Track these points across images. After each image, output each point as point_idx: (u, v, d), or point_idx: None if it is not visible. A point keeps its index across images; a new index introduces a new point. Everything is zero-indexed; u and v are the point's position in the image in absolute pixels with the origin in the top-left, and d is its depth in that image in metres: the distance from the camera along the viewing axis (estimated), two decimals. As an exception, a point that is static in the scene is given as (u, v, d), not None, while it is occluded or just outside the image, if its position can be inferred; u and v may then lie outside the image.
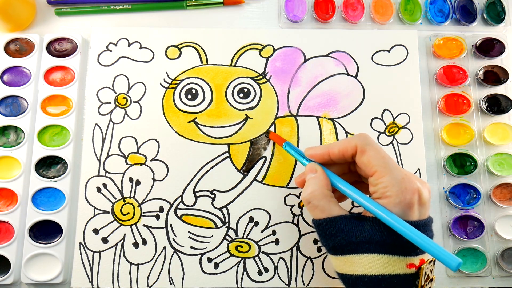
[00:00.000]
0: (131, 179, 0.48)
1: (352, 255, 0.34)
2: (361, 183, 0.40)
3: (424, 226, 0.34)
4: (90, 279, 0.46)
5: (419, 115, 0.51)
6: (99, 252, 0.46)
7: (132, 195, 0.48)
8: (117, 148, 0.49)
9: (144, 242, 0.47)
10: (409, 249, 0.33)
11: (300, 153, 0.42)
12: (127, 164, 0.48)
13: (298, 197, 0.48)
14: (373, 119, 0.50)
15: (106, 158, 0.48)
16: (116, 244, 0.47)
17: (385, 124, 0.50)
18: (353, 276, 0.34)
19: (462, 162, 0.49)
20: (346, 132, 0.50)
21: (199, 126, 0.49)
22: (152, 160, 0.49)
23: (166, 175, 0.48)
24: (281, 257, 0.47)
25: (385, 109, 0.51)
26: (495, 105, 0.51)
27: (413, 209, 0.33)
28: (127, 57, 0.51)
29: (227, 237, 0.47)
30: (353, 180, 0.40)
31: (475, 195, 0.49)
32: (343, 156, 0.37)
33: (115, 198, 0.48)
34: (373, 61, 0.52)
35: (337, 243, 0.35)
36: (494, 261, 0.48)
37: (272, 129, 0.49)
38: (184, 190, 0.48)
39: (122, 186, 0.48)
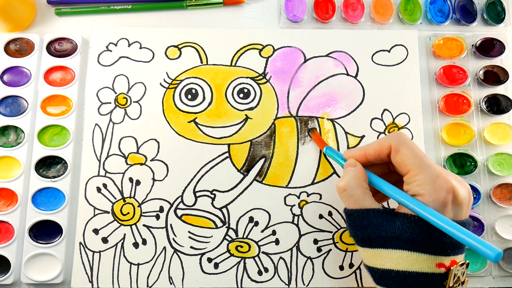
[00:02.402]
0: (131, 179, 0.48)
1: (381, 249, 0.34)
2: (402, 182, 0.40)
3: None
4: (90, 279, 0.46)
5: (419, 115, 0.51)
6: (99, 252, 0.46)
7: (132, 195, 0.48)
8: (117, 148, 0.49)
9: (144, 242, 0.47)
10: (440, 249, 0.33)
11: (340, 156, 0.42)
12: (127, 164, 0.48)
13: (298, 197, 0.48)
14: (373, 119, 0.50)
15: (106, 158, 0.48)
16: (116, 244, 0.47)
17: (385, 124, 0.50)
18: (380, 270, 0.34)
19: (462, 162, 0.49)
20: (346, 133, 0.50)
21: (199, 126, 0.49)
22: (152, 160, 0.49)
23: (166, 175, 0.48)
24: (281, 257, 0.47)
25: (385, 109, 0.51)
26: (495, 105, 0.51)
27: (447, 209, 0.33)
28: (127, 57, 0.51)
29: (227, 237, 0.47)
30: (395, 179, 0.40)
31: (475, 195, 0.49)
32: (379, 156, 0.37)
33: (115, 198, 0.48)
34: (373, 61, 0.52)
35: (367, 236, 0.35)
36: (494, 261, 0.48)
37: (310, 126, 0.49)
38: (184, 190, 0.48)
39: (122, 186, 0.48)
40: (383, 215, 0.35)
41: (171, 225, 0.47)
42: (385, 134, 0.50)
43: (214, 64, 0.51)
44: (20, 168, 0.47)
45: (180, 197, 0.48)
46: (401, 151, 0.35)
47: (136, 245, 0.47)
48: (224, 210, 0.48)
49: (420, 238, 0.33)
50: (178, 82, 0.51)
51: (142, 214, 0.47)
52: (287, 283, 0.46)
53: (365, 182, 0.37)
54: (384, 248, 0.34)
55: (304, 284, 0.46)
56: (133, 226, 0.47)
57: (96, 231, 0.47)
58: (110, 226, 0.47)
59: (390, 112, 0.51)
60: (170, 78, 0.51)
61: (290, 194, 0.48)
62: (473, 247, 0.30)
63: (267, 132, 0.49)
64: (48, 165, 0.48)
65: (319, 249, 0.47)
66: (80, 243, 0.46)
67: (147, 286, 0.46)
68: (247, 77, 0.51)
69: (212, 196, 0.48)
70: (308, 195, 0.48)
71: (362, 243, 0.36)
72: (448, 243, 0.33)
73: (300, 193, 0.48)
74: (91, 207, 0.47)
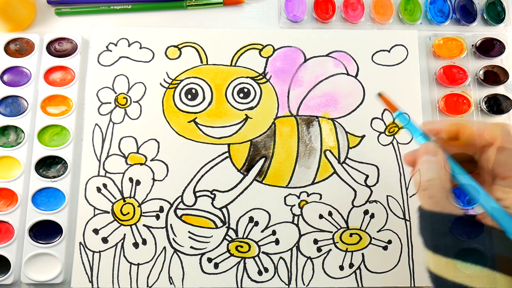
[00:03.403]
0: (131, 179, 0.48)
1: (457, 260, 0.30)
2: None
3: None
4: (90, 279, 0.46)
5: (419, 115, 0.51)
6: (99, 252, 0.46)
7: (132, 195, 0.48)
8: (117, 148, 0.49)
9: (144, 242, 0.47)
10: None
11: (418, 131, 0.35)
12: (127, 164, 0.48)
13: (298, 197, 0.48)
14: (373, 119, 0.50)
15: (106, 158, 0.48)
16: (116, 244, 0.47)
17: (385, 124, 0.50)
18: (451, 282, 0.30)
19: (462, 162, 0.49)
20: (346, 132, 0.50)
21: (199, 126, 0.49)
22: (152, 160, 0.48)
23: (166, 175, 0.48)
24: (281, 257, 0.47)
25: (385, 109, 0.51)
26: (495, 105, 0.51)
27: None
28: (127, 57, 0.51)
29: (227, 237, 0.47)
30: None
31: (475, 195, 0.48)
32: (473, 141, 0.32)
33: (115, 198, 0.48)
34: (373, 61, 0.52)
35: (443, 244, 0.31)
36: (494, 261, 0.47)
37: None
38: (184, 190, 0.48)
39: (122, 186, 0.48)
40: (469, 224, 0.31)
41: (171, 225, 0.47)
42: (386, 134, 0.50)
43: (214, 64, 0.51)
44: (20, 168, 0.47)
45: (180, 197, 0.48)
46: (507, 152, 0.30)
47: (136, 245, 0.47)
48: (224, 210, 0.48)
49: (506, 258, 0.29)
50: (178, 82, 0.51)
51: (142, 214, 0.47)
52: (287, 283, 0.46)
53: (449, 182, 0.32)
54: (462, 260, 0.30)
55: (304, 284, 0.46)
56: (133, 226, 0.47)
57: (96, 231, 0.47)
58: (110, 226, 0.47)
59: (390, 112, 0.51)
60: (170, 78, 0.51)
61: (290, 194, 0.48)
62: None
63: (267, 132, 0.49)
64: (48, 165, 0.48)
65: (319, 249, 0.47)
66: (80, 243, 0.46)
67: (147, 286, 0.46)
68: (247, 77, 0.51)
69: (212, 196, 0.48)
70: (308, 195, 0.48)
71: (434, 249, 0.31)
72: None
73: (300, 193, 0.48)
74: (91, 207, 0.47)
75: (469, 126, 0.32)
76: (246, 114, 0.50)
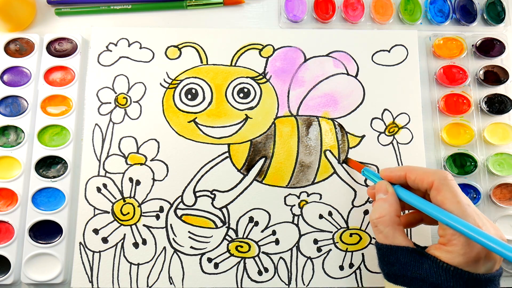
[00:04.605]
0: (131, 179, 0.48)
1: (405, 287, 0.34)
2: None
3: (488, 281, 0.32)
4: (90, 279, 0.46)
5: (419, 115, 0.51)
6: (99, 252, 0.46)
7: (132, 195, 0.48)
8: (117, 148, 0.49)
9: (144, 242, 0.47)
10: None
11: (377, 176, 0.41)
12: (127, 164, 0.48)
13: (298, 197, 0.48)
14: (373, 119, 0.50)
15: (106, 158, 0.48)
16: (116, 244, 0.47)
17: (385, 124, 0.50)
18: None
19: (462, 162, 0.49)
20: (346, 132, 0.50)
21: (199, 126, 0.49)
22: (152, 160, 0.48)
23: (166, 175, 0.48)
24: (281, 257, 0.47)
25: (385, 109, 0.51)
26: (495, 105, 0.51)
27: (479, 264, 0.32)
28: (127, 57, 0.51)
29: (227, 237, 0.47)
30: None
31: (475, 195, 0.49)
32: (417, 186, 0.37)
33: (115, 198, 0.48)
34: (373, 61, 0.52)
35: (392, 272, 0.35)
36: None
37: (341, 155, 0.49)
38: (184, 190, 0.48)
39: (122, 186, 0.48)
40: (412, 255, 0.34)
41: (171, 225, 0.47)
42: (386, 134, 0.50)
43: (214, 64, 0.51)
44: (20, 168, 0.47)
45: (180, 197, 0.48)
46: (442, 192, 0.34)
47: (136, 245, 0.47)
48: (224, 210, 0.48)
49: (445, 285, 0.32)
50: (178, 82, 0.51)
51: (142, 214, 0.47)
52: (287, 283, 0.46)
53: (397, 217, 0.36)
54: (408, 287, 0.34)
55: (304, 284, 0.46)
56: (133, 226, 0.47)
57: (96, 231, 0.47)
58: (110, 226, 0.47)
59: (390, 112, 0.51)
60: (170, 78, 0.51)
61: (290, 194, 0.48)
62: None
63: (267, 132, 0.49)
64: (48, 165, 0.48)
65: (319, 249, 0.47)
66: (80, 243, 0.46)
67: (147, 286, 0.46)
68: (247, 77, 0.51)
69: (212, 196, 0.48)
70: (308, 195, 0.48)
71: (387, 277, 0.36)
72: None
73: (300, 193, 0.48)
74: (91, 207, 0.47)
75: (413, 173, 0.37)
76: (246, 114, 0.50)
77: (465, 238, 0.32)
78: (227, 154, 0.49)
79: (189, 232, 0.47)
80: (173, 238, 0.47)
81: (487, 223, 0.34)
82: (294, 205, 0.48)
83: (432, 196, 0.35)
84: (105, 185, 0.48)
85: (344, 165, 0.49)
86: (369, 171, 0.43)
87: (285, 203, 0.48)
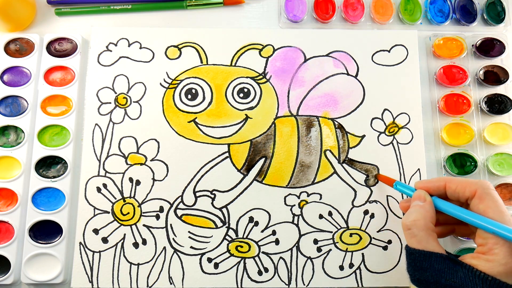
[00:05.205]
0: (131, 179, 0.48)
1: None
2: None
3: None
4: (90, 279, 0.46)
5: (419, 115, 0.51)
6: (99, 252, 0.46)
7: (132, 195, 0.48)
8: (117, 148, 0.49)
9: (144, 242, 0.47)
10: None
11: (411, 189, 0.41)
12: (127, 164, 0.48)
13: (298, 197, 0.48)
14: (373, 119, 0.50)
15: (106, 158, 0.48)
16: (116, 244, 0.47)
17: (385, 124, 0.50)
18: None
19: (462, 162, 0.49)
20: (346, 132, 0.50)
21: (199, 126, 0.49)
22: (152, 160, 0.48)
23: (166, 175, 0.48)
24: (281, 257, 0.47)
25: (385, 109, 0.51)
26: (495, 105, 0.51)
27: None
28: (127, 57, 0.51)
29: (227, 237, 0.47)
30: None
31: (475, 195, 0.48)
32: (458, 196, 0.36)
33: (115, 198, 0.48)
34: (373, 61, 0.52)
35: (424, 278, 0.34)
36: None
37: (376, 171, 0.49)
38: (184, 190, 0.48)
39: (122, 186, 0.48)
40: (446, 262, 0.33)
41: (171, 225, 0.47)
42: (386, 134, 0.50)
43: (214, 64, 0.51)
44: (20, 168, 0.47)
45: (180, 197, 0.48)
46: (485, 202, 0.34)
47: (136, 245, 0.47)
48: (224, 210, 0.48)
49: None
50: (178, 82, 0.51)
51: (142, 214, 0.47)
52: (287, 283, 0.46)
53: (431, 223, 0.36)
54: None
55: (304, 284, 0.46)
56: (133, 226, 0.47)
57: (96, 231, 0.47)
58: (110, 226, 0.47)
59: (390, 112, 0.51)
60: (170, 78, 0.51)
61: (290, 194, 0.48)
62: None
63: (267, 132, 0.49)
64: (48, 165, 0.48)
65: (319, 249, 0.47)
66: (80, 243, 0.46)
67: (147, 286, 0.46)
68: (247, 77, 0.51)
69: (212, 196, 0.48)
70: (308, 195, 0.48)
71: (417, 283, 0.35)
72: None
73: (300, 193, 0.48)
74: (91, 207, 0.47)
75: (454, 182, 0.37)
76: (246, 114, 0.50)
77: (508, 248, 0.31)
78: (227, 154, 0.49)
79: (189, 232, 0.47)
80: (173, 238, 0.47)
81: None
82: (294, 205, 0.48)
83: (473, 205, 0.35)
84: (105, 185, 0.48)
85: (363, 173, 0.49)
86: (402, 185, 0.43)
87: (285, 203, 0.48)
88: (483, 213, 0.34)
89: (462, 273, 0.32)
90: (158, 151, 0.49)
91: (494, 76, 0.52)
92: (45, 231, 0.46)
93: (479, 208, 0.34)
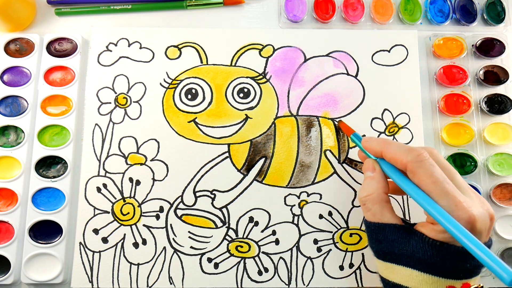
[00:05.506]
0: (131, 179, 0.48)
1: (393, 264, 0.35)
2: None
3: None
4: (90, 279, 0.46)
5: (419, 115, 0.51)
6: (99, 252, 0.46)
7: (132, 195, 0.48)
8: (117, 148, 0.49)
9: (144, 242, 0.47)
10: (451, 273, 0.32)
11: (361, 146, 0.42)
12: (127, 164, 0.48)
13: (298, 197, 0.48)
14: (373, 119, 0.50)
15: (106, 158, 0.48)
16: (116, 244, 0.47)
17: (385, 124, 0.50)
18: (391, 283, 0.35)
19: (462, 162, 0.49)
20: (346, 132, 0.50)
21: (199, 126, 0.49)
22: (152, 160, 0.49)
23: (166, 175, 0.48)
24: (281, 257, 0.47)
25: (385, 109, 0.51)
26: (495, 105, 0.51)
27: None
28: (127, 57, 0.51)
29: (227, 237, 0.47)
30: None
31: (475, 195, 0.48)
32: (393, 164, 0.36)
33: (115, 198, 0.48)
34: (373, 61, 0.52)
35: (380, 249, 0.36)
36: (494, 261, 0.47)
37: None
38: (184, 190, 0.48)
39: (122, 186, 0.48)
40: (399, 232, 0.35)
41: (171, 225, 0.47)
42: (386, 134, 0.50)
43: (214, 64, 0.51)
44: (20, 168, 0.47)
45: (180, 197, 0.48)
46: (417, 175, 0.34)
47: (136, 245, 0.47)
48: (224, 210, 0.48)
49: (432, 260, 0.32)
50: (178, 82, 0.51)
51: (142, 214, 0.47)
52: (287, 283, 0.46)
53: (384, 193, 0.37)
54: (396, 263, 0.34)
55: (304, 284, 0.46)
56: (133, 226, 0.47)
57: (96, 231, 0.47)
58: (110, 226, 0.47)
59: (390, 112, 0.51)
60: (170, 78, 0.51)
61: (290, 194, 0.48)
62: (488, 266, 0.29)
63: (267, 132, 0.49)
64: (48, 165, 0.48)
65: (319, 249, 0.47)
66: (80, 243, 0.46)
67: (147, 286, 0.46)
68: (247, 77, 0.51)
69: (212, 196, 0.48)
70: (308, 195, 0.48)
71: (377, 255, 0.37)
72: (461, 269, 0.32)
73: (300, 193, 0.48)
74: (91, 207, 0.47)
75: (390, 150, 0.36)
76: (246, 114, 0.50)
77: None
78: (227, 154, 0.49)
79: (189, 232, 0.47)
80: (173, 238, 0.47)
81: (472, 195, 0.34)
82: (294, 205, 0.48)
83: (410, 178, 0.35)
84: (105, 185, 0.48)
85: (344, 164, 0.49)
86: (357, 136, 0.44)
87: (285, 203, 0.48)
88: (419, 186, 0.34)
89: (414, 241, 0.33)
90: (158, 151, 0.49)
91: (494, 76, 0.52)
92: (45, 231, 0.46)
93: (414, 181, 0.34)
